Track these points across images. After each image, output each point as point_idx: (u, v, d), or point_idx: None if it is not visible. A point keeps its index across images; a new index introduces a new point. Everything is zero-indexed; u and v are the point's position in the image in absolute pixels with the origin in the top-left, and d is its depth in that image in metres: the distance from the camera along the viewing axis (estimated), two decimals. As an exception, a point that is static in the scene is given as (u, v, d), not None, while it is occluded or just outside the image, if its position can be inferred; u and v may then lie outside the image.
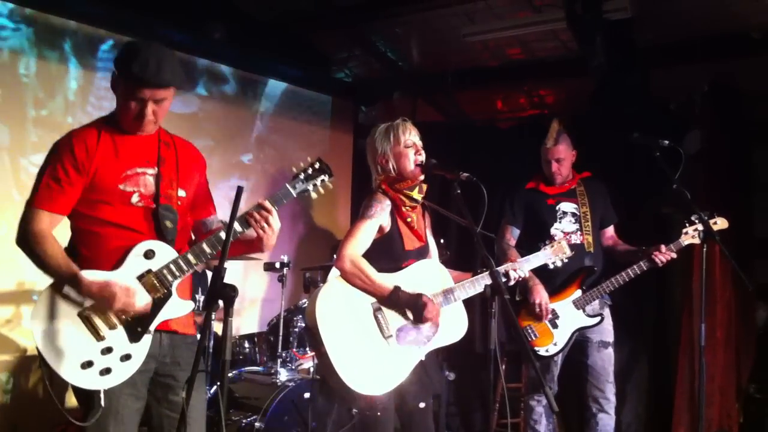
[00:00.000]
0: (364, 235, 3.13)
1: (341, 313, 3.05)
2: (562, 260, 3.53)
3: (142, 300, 2.49)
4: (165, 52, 2.54)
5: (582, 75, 5.66)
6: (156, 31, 5.02)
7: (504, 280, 3.40)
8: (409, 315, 3.14)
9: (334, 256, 3.18)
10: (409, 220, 3.26)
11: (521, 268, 3.44)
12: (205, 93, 5.78)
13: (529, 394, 4.25)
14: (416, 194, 3.25)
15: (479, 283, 3.23)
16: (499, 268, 3.39)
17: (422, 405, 3.20)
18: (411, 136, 3.26)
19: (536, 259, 3.55)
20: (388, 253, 3.19)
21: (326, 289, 3.10)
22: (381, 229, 3.19)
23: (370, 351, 3.04)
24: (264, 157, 6.18)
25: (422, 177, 3.25)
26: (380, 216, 3.17)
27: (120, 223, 2.54)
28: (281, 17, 5.80)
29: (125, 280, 2.49)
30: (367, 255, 3.13)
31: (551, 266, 3.50)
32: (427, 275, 3.25)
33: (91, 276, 2.46)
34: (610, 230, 4.42)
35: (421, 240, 3.31)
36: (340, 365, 2.96)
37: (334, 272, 3.15)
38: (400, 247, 3.22)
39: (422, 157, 3.24)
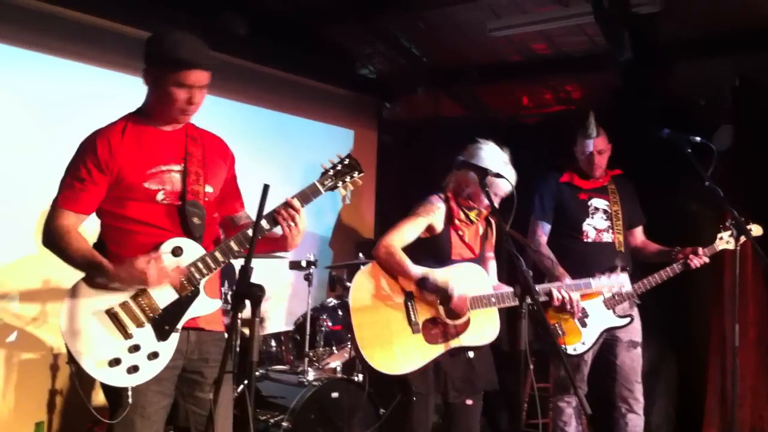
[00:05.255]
0: (408, 231, 3.24)
1: (374, 292, 3.20)
2: (613, 295, 3.49)
3: (172, 264, 2.49)
4: (194, 36, 2.58)
5: (609, 70, 5.59)
6: (175, 24, 4.99)
7: (545, 299, 3.44)
8: (440, 309, 3.22)
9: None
10: (460, 233, 3.33)
11: (568, 290, 3.45)
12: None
13: (557, 394, 4.20)
14: (473, 216, 3.34)
15: (513, 298, 3.24)
16: (542, 286, 3.48)
17: (469, 402, 3.27)
18: (498, 190, 3.22)
19: (587, 287, 3.51)
20: (434, 254, 3.27)
21: (362, 274, 3.26)
22: (431, 228, 3.27)
23: (394, 334, 3.16)
24: (287, 155, 6.16)
25: (483, 204, 3.30)
26: (430, 217, 3.26)
27: (146, 220, 2.53)
28: (304, 12, 5.77)
29: (155, 292, 2.48)
30: (414, 253, 3.23)
31: (604, 296, 3.49)
32: (468, 277, 3.30)
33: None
34: (638, 231, 4.35)
35: (473, 252, 3.38)
36: (360, 337, 3.13)
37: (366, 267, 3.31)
38: (447, 254, 3.30)
39: (495, 203, 3.20)
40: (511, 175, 3.21)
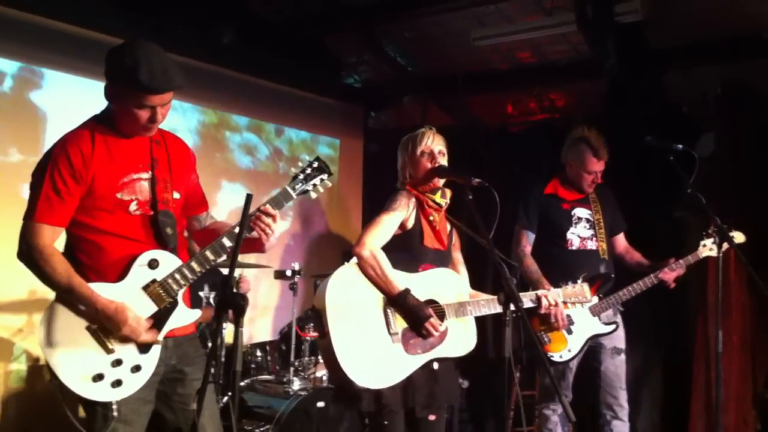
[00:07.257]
0: (386, 227, 3.11)
1: (351, 300, 3.02)
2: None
3: (148, 333, 2.48)
4: (162, 53, 2.47)
5: (593, 78, 5.62)
6: (164, 34, 4.99)
7: (534, 305, 3.39)
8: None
9: (343, 262, 3.14)
10: (431, 218, 3.23)
11: (554, 296, 3.43)
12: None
13: (543, 402, 4.21)
14: (439, 198, 3.24)
15: (495, 305, 3.17)
16: (530, 293, 3.41)
17: (432, 417, 3.12)
18: (429, 142, 3.25)
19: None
20: (406, 247, 3.17)
21: (340, 274, 3.07)
22: (403, 225, 3.17)
23: (373, 343, 3.00)
24: (271, 164, 6.17)
25: (442, 181, 3.23)
26: (403, 210, 3.16)
27: (120, 233, 2.50)
28: (291, 21, 5.78)
29: (135, 306, 2.46)
30: (386, 248, 3.09)
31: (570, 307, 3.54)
32: (444, 283, 3.22)
33: (100, 289, 2.43)
34: (620, 238, 4.38)
35: (441, 244, 3.28)
36: (340, 352, 2.92)
37: (352, 260, 3.13)
38: (418, 242, 3.19)
39: (442, 162, 3.23)
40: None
